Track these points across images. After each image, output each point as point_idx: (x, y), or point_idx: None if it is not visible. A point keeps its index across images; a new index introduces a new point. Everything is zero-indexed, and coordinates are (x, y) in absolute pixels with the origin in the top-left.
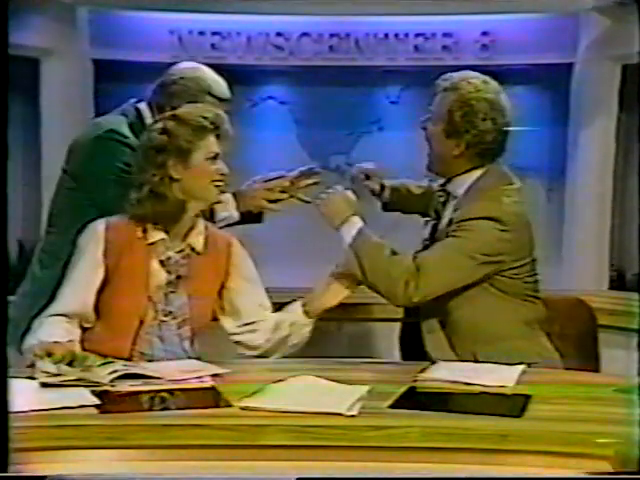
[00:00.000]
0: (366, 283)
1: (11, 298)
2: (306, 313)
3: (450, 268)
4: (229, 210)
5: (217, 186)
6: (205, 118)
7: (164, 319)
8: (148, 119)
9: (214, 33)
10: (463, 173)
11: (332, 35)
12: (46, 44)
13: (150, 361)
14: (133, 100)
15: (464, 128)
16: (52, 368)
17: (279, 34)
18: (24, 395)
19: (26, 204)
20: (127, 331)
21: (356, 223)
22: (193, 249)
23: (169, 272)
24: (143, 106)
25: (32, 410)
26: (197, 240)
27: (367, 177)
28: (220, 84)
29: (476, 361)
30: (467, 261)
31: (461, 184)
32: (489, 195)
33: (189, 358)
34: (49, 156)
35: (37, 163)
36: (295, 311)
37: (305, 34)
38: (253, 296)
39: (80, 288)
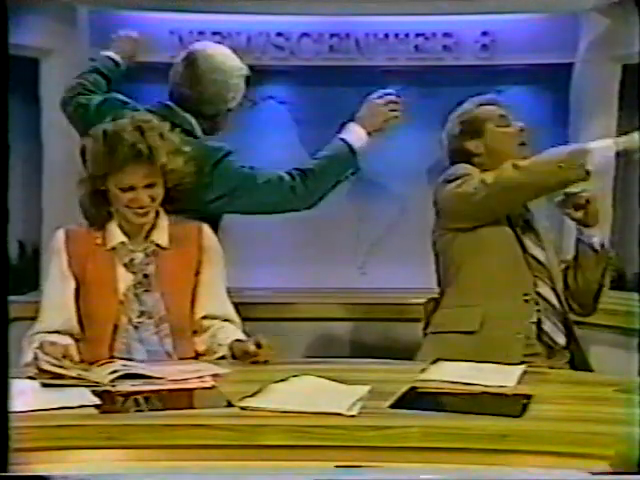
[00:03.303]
0: None
1: (11, 298)
2: (231, 349)
3: None
4: (362, 139)
5: (135, 213)
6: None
7: (139, 320)
8: None
9: (214, 33)
10: None
11: (332, 35)
12: (46, 44)
13: None
14: None
15: None
16: (54, 364)
17: (279, 34)
18: (24, 395)
19: (26, 204)
20: (102, 338)
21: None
22: (158, 245)
23: (134, 273)
24: None
25: (32, 410)
26: (160, 236)
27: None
28: None
29: None
30: None
31: None
32: None
33: (169, 357)
34: (49, 156)
35: (37, 163)
36: (227, 338)
37: (305, 34)
38: (218, 292)
39: (57, 303)
